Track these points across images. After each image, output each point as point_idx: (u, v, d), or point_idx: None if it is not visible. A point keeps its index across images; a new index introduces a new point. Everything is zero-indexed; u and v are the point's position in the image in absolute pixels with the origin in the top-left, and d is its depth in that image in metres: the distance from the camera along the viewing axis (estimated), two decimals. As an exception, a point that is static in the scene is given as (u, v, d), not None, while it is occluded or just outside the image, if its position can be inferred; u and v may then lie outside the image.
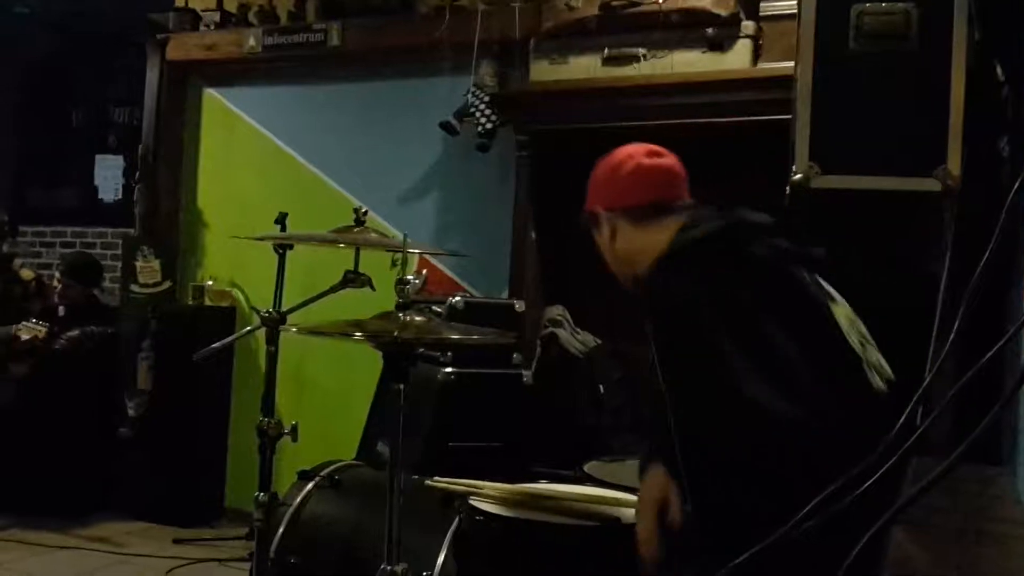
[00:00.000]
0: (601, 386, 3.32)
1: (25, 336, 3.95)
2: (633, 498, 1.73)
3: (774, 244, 1.60)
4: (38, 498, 4.13)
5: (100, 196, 6.85)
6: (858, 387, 1.48)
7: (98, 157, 6.87)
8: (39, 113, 7.18)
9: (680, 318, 1.53)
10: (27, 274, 4.34)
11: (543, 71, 3.55)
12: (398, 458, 1.83)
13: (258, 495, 2.33)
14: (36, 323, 4.00)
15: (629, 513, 1.76)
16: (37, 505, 4.11)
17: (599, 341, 3.44)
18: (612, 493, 1.97)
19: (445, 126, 3.71)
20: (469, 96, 3.66)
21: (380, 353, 1.88)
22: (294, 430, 2.34)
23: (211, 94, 4.55)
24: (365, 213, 2.41)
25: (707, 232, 1.61)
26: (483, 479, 2.25)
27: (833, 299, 1.58)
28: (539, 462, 2.88)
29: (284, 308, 2.53)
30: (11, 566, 3.50)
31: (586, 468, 2.38)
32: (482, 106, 3.62)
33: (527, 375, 3.21)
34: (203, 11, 4.40)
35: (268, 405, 2.44)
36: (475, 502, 1.91)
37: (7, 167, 7.23)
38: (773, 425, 1.40)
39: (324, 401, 4.06)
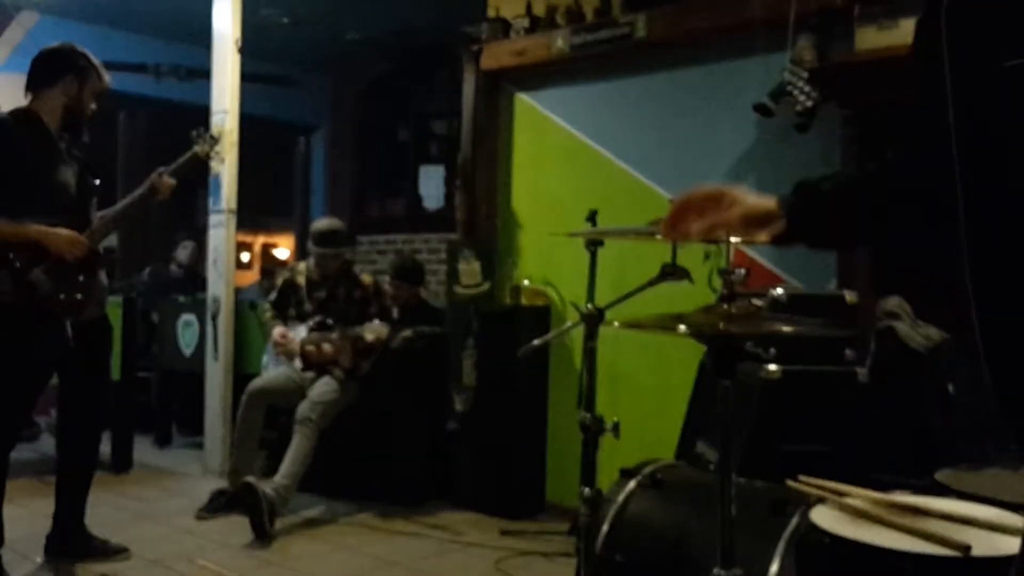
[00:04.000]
0: (950, 385, 2.96)
1: (370, 337, 4.31)
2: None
3: None
4: (382, 486, 4.49)
5: (424, 204, 7.37)
6: None
7: (422, 168, 7.40)
8: (373, 131, 7.89)
9: None
10: (367, 279, 4.73)
11: (870, 38, 3.24)
12: (728, 459, 1.72)
13: (583, 490, 2.31)
14: (379, 324, 4.35)
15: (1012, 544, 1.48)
16: (382, 493, 4.47)
17: (946, 335, 3.07)
18: (996, 514, 1.69)
19: (760, 108, 3.51)
20: (785, 74, 3.43)
21: (698, 348, 1.78)
22: (616, 427, 2.30)
23: (522, 98, 4.68)
24: (682, 203, 2.30)
25: None
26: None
27: None
28: (878, 468, 2.61)
29: (597, 304, 2.50)
30: (359, 548, 3.81)
31: (938, 477, 2.11)
32: (801, 83, 3.38)
33: (862, 372, 2.93)
34: (513, 18, 4.54)
35: (589, 401, 2.43)
36: (819, 517, 1.72)
37: (348, 184, 8.02)
38: None
39: (639, 398, 4.01)
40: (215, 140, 3.75)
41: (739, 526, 1.75)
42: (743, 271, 3.49)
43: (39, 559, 3.43)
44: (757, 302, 2.84)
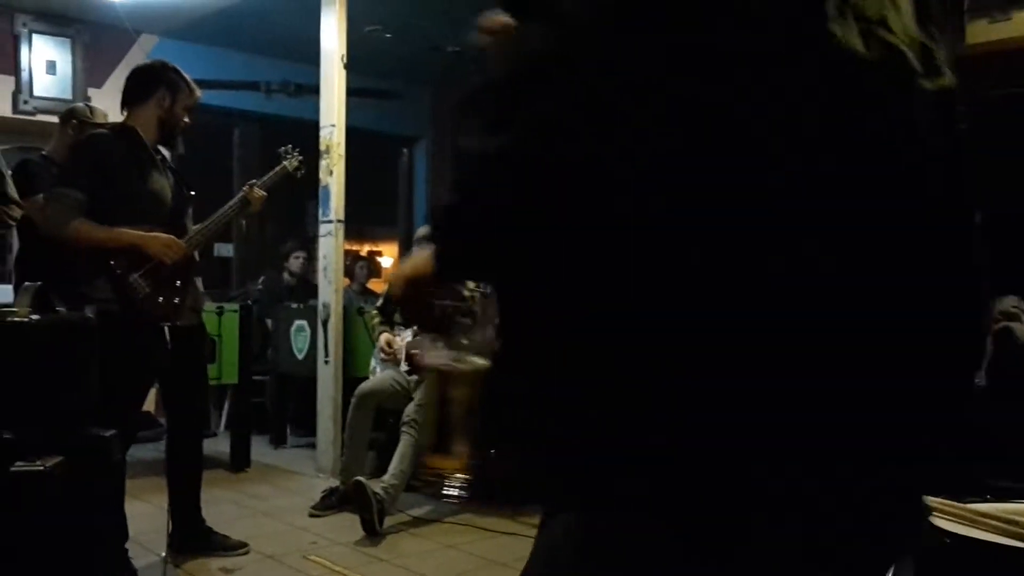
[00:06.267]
0: (1074, 389, 2.84)
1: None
2: None
3: None
4: (487, 486, 4.56)
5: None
6: None
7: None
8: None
9: None
10: (470, 286, 4.81)
11: (981, 31, 3.14)
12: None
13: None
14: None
15: None
16: (487, 493, 4.54)
17: (1068, 336, 2.95)
18: None
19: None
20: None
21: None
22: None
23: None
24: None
25: None
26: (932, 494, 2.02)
27: None
28: (999, 476, 2.53)
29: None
30: (464, 547, 3.89)
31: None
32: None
33: (978, 375, 2.84)
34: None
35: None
36: (939, 521, 1.69)
37: (448, 192, 8.15)
38: None
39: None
40: (301, 155, 3.95)
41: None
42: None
43: (162, 553, 3.61)
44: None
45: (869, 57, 0.77)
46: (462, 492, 4.54)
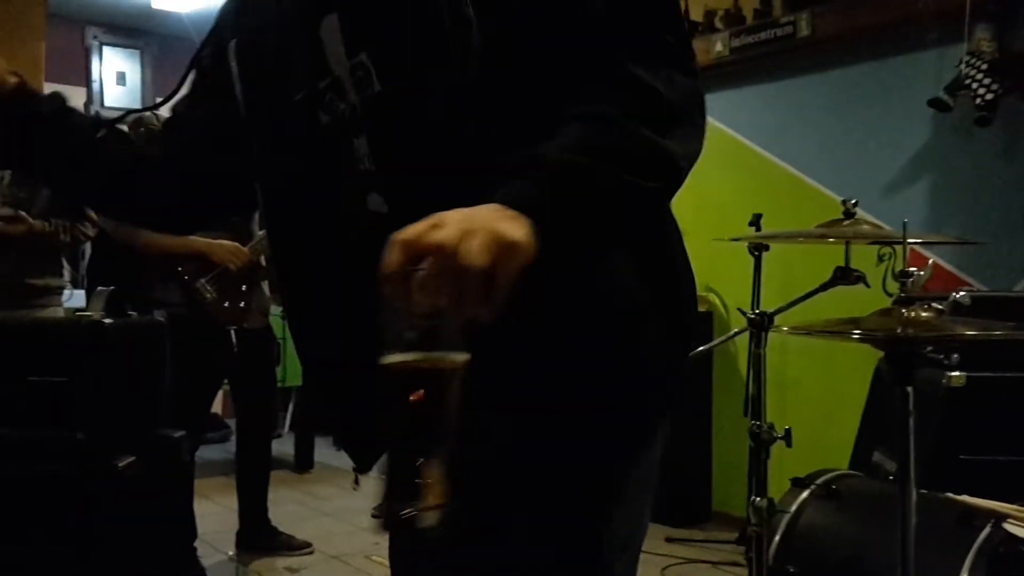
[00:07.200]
0: None
1: None
2: None
3: None
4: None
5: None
6: None
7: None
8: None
9: None
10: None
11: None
12: (908, 469, 1.67)
13: (753, 500, 2.28)
14: None
15: None
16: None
17: None
18: None
19: (935, 103, 3.36)
20: (962, 67, 3.26)
21: (871, 354, 1.73)
22: (788, 435, 2.26)
23: (680, 104, 4.65)
24: (855, 205, 2.24)
25: None
26: (1005, 499, 1.96)
27: None
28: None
29: (761, 309, 2.46)
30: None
31: None
32: (979, 75, 3.21)
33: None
34: (670, 24, 4.52)
35: (757, 409, 2.39)
36: (1015, 529, 1.65)
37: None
38: None
39: (809, 405, 3.90)
40: None
41: (921, 539, 1.68)
42: (924, 273, 3.35)
43: (230, 552, 3.69)
44: (937, 305, 2.71)
45: None
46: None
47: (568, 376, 0.95)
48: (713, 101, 4.41)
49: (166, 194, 1.22)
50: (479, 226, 0.74)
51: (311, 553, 3.73)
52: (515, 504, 0.98)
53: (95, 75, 6.65)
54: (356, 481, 1.19)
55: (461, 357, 0.73)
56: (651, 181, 0.88)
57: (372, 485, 1.00)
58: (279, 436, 6.20)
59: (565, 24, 0.93)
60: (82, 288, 5.05)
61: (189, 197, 1.23)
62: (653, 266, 1.02)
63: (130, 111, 1.35)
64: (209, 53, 1.18)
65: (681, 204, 1.01)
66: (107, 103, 6.66)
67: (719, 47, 4.24)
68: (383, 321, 0.72)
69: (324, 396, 1.19)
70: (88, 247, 4.89)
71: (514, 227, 0.76)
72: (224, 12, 1.20)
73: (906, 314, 1.67)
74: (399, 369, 0.71)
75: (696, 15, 4.44)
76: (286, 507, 4.22)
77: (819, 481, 2.53)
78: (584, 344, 0.97)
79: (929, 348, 2.22)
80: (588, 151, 0.85)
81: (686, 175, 0.92)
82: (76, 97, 6.54)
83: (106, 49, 6.72)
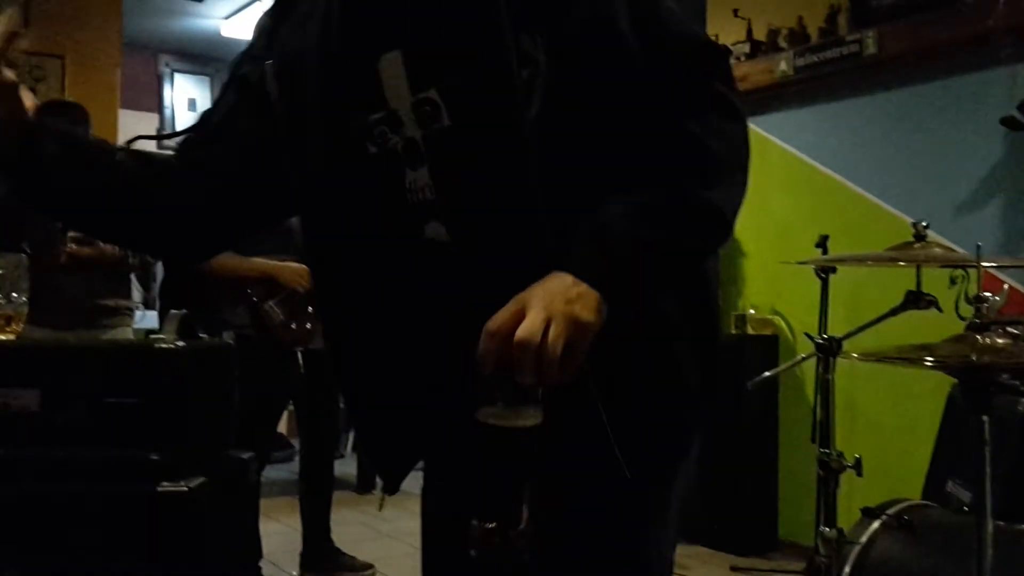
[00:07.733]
0: None
1: None
2: None
3: None
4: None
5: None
6: None
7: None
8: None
9: None
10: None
11: None
12: (984, 500, 1.62)
13: (823, 530, 2.23)
14: None
15: None
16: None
17: None
18: None
19: (1008, 121, 3.27)
20: (1037, 84, 3.18)
21: (944, 380, 1.68)
22: (858, 464, 2.20)
23: (743, 125, 4.60)
24: (926, 227, 2.19)
25: None
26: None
27: None
28: None
29: (829, 334, 2.42)
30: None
31: None
32: (1055, 92, 3.12)
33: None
34: (733, 44, 4.49)
35: (825, 436, 2.34)
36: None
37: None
38: None
39: (879, 433, 3.80)
40: None
41: (997, 573, 1.63)
42: (1000, 298, 3.26)
43: (294, 573, 3.72)
44: (1013, 331, 2.63)
45: None
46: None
47: (613, 399, 1.01)
48: (777, 121, 4.43)
49: (187, 212, 1.21)
50: (556, 311, 0.87)
51: (373, 575, 3.75)
52: (574, 526, 1.07)
53: (167, 101, 6.86)
54: (380, 507, 1.37)
55: (540, 415, 0.89)
56: (706, 240, 1.00)
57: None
58: (341, 457, 6.27)
59: (616, 67, 1.00)
60: (154, 309, 5.19)
61: (210, 216, 1.23)
62: (690, 290, 1.10)
63: (142, 136, 1.36)
64: (248, 72, 1.20)
65: (744, 226, 1.04)
66: (179, 129, 6.86)
67: (783, 66, 4.20)
68: (478, 385, 0.90)
69: (360, 419, 1.25)
70: (160, 268, 5.04)
71: (587, 308, 0.89)
72: (260, 32, 1.22)
73: (981, 340, 1.63)
74: (493, 425, 0.89)
75: (759, 34, 4.40)
76: (348, 528, 4.26)
77: (891, 511, 2.46)
78: (627, 366, 1.04)
79: (1005, 375, 2.15)
80: (650, 221, 0.95)
81: (733, 227, 1.01)
82: (149, 123, 6.75)
83: (177, 76, 6.92)
